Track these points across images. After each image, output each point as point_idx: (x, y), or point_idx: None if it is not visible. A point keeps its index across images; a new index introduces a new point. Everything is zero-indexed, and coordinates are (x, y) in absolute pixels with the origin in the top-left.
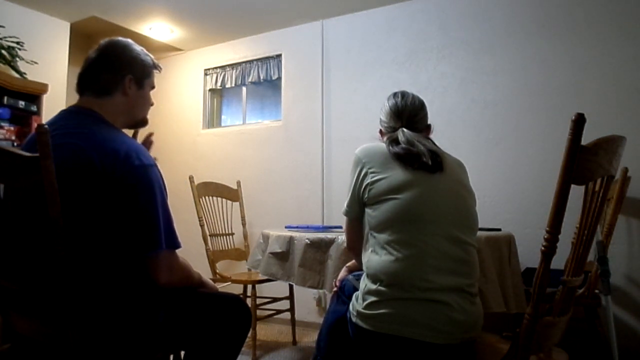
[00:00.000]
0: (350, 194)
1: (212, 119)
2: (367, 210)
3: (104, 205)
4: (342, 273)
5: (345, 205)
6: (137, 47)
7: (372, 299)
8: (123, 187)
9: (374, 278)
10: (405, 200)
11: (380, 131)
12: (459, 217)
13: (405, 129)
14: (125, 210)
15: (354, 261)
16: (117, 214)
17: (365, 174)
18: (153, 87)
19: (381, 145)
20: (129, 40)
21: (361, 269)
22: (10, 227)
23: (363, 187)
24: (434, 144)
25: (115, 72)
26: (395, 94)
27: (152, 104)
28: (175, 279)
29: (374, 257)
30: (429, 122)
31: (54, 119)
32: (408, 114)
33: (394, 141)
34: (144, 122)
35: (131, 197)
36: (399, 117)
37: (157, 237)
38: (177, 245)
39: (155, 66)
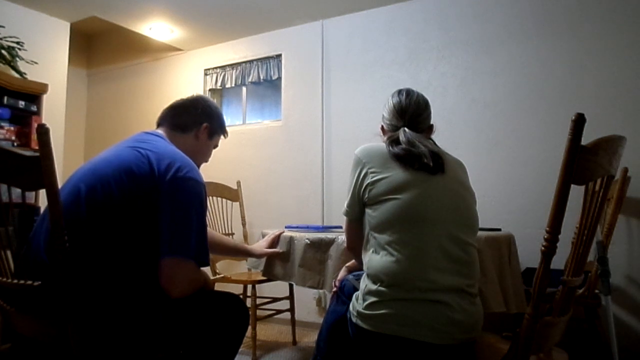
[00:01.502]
0: (350, 195)
1: None
2: (367, 211)
3: (149, 204)
4: (342, 273)
5: (345, 205)
6: (219, 109)
7: (372, 299)
8: (167, 191)
9: (374, 278)
10: (406, 200)
11: (382, 127)
12: (459, 217)
13: (406, 129)
14: (163, 213)
15: (353, 261)
16: (155, 216)
17: (366, 174)
18: (216, 147)
19: (381, 145)
20: (214, 102)
21: (361, 269)
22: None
23: (363, 187)
24: (435, 144)
25: (196, 116)
26: (400, 92)
27: (207, 161)
28: (188, 290)
29: (375, 257)
30: (431, 122)
31: (131, 136)
32: (411, 113)
33: (394, 141)
34: None
35: (170, 201)
36: (401, 116)
37: (188, 244)
38: (205, 262)
39: (225, 131)
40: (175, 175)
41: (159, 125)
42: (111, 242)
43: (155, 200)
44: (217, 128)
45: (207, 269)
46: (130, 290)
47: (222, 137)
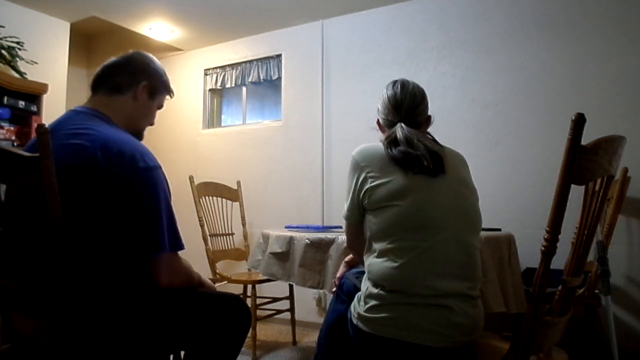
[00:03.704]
0: (349, 199)
1: (212, 119)
2: (368, 216)
3: (108, 207)
4: (341, 269)
5: (345, 209)
6: (160, 65)
7: (373, 302)
8: (127, 189)
9: (375, 282)
10: (407, 207)
11: (378, 121)
12: (463, 220)
13: (403, 125)
14: (129, 212)
15: (351, 255)
16: (120, 216)
17: (365, 179)
18: (160, 107)
19: (379, 146)
20: (155, 58)
21: (360, 263)
22: (13, 228)
23: (363, 192)
24: (435, 140)
25: (133, 75)
26: (394, 83)
27: (152, 124)
28: (176, 280)
29: (376, 261)
30: (429, 113)
31: (60, 119)
32: (407, 107)
33: (392, 142)
34: (139, 135)
35: (135, 199)
36: (397, 111)
37: (160, 239)
38: (180, 247)
39: (170, 90)
40: (130, 169)
41: (94, 91)
42: (87, 245)
43: (115, 197)
44: (157, 86)
45: (206, 269)
46: (129, 290)
47: (168, 97)
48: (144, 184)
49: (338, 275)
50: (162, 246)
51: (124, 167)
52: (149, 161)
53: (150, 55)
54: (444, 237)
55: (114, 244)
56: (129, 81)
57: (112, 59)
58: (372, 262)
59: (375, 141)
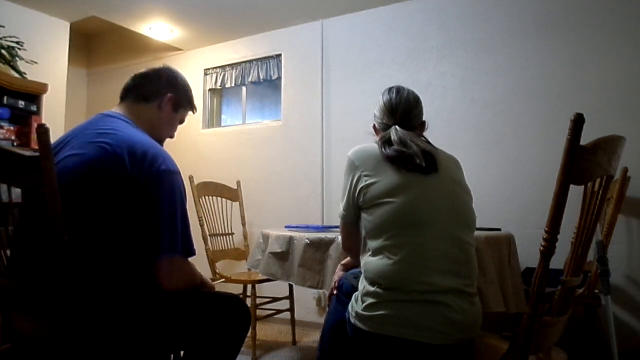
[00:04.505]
0: (345, 198)
1: (212, 119)
2: (363, 215)
3: (126, 205)
4: (338, 273)
5: (341, 208)
6: (187, 82)
7: (370, 300)
8: (146, 190)
9: (372, 281)
10: (401, 204)
11: (374, 126)
12: (456, 217)
13: (398, 127)
14: (145, 211)
15: (348, 258)
16: (136, 215)
17: (359, 178)
18: (182, 122)
19: (374, 147)
20: (183, 75)
21: (357, 266)
22: (19, 227)
23: (358, 191)
24: (428, 142)
25: (160, 86)
26: (390, 90)
27: (172, 136)
28: (182, 285)
29: (372, 260)
30: (424, 118)
31: (89, 120)
32: (402, 111)
33: (386, 142)
34: (160, 145)
35: (153, 200)
36: (392, 114)
37: (174, 242)
38: (192, 253)
39: (193, 106)
40: (151, 170)
41: (122, 99)
42: (96, 243)
43: (134, 197)
44: (182, 100)
45: (206, 269)
46: (130, 289)
47: (190, 113)
48: (163, 186)
49: (335, 278)
50: (175, 248)
51: (145, 168)
52: (170, 165)
53: (179, 71)
54: (438, 233)
55: (124, 243)
56: (156, 92)
57: (142, 70)
58: (369, 261)
59: (373, 142)
